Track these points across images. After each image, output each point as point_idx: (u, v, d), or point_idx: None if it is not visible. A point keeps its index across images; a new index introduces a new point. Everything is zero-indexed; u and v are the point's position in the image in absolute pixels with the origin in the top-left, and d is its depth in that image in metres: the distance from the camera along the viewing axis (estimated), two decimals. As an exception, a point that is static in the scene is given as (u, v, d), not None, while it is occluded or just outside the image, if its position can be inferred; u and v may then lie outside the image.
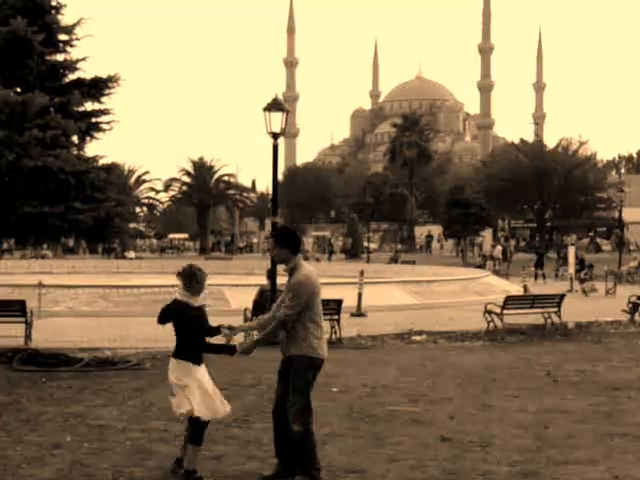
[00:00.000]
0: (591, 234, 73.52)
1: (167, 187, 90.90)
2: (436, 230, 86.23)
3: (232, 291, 24.88)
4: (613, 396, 11.57)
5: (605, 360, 15.28)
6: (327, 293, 22.30)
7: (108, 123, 17.88)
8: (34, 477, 7.46)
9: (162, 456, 8.12)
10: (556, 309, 20.82)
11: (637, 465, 7.85)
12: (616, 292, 32.01)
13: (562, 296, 21.68)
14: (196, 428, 7.22)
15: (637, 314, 22.76)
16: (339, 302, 18.89)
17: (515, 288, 32.20)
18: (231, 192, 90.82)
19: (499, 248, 54.00)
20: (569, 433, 9.17)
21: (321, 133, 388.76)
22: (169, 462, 7.83)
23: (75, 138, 17.58)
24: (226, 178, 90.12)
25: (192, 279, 7.23)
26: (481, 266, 48.90)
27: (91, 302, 24.16)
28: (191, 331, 7.22)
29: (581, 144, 71.39)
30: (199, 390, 7.16)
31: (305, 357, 7.18)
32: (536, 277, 41.70)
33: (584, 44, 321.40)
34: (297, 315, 7.13)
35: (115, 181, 19.40)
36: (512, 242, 71.83)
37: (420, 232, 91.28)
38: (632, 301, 23.27)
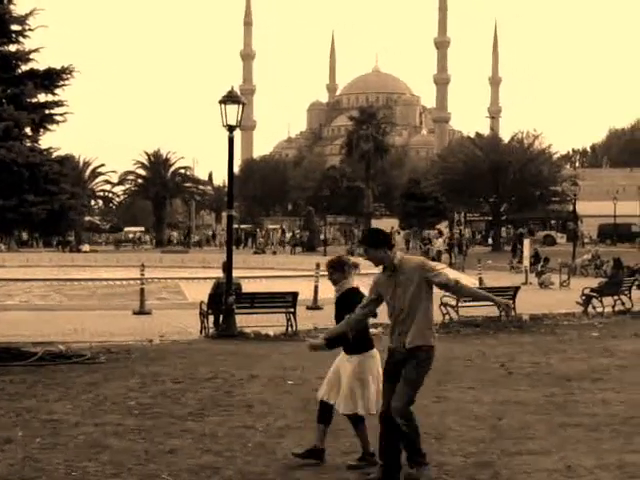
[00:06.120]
0: (524, 229, 72.76)
1: (122, 180, 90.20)
2: (391, 223, 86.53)
3: (188, 284, 24.78)
4: (566, 387, 11.67)
5: (559, 352, 15.44)
6: (283, 286, 22.49)
7: (62, 115, 17.60)
8: (-15, 473, 7.37)
9: (115, 450, 8.06)
10: (511, 301, 20.95)
11: (589, 455, 7.94)
12: (570, 284, 32.36)
13: (517, 288, 21.88)
14: None
15: (590, 306, 23.03)
16: (295, 295, 18.91)
17: (470, 281, 32.35)
18: (187, 185, 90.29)
19: (440, 241, 54.34)
20: (523, 424, 9.25)
21: (278, 126, 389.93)
22: (123, 456, 7.77)
23: (28, 130, 17.30)
24: (182, 171, 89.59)
25: None
26: (433, 258, 49.23)
27: (45, 296, 23.94)
28: None
29: (535, 137, 71.77)
30: None
31: (432, 347, 7.24)
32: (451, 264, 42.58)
33: (540, 39, 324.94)
34: (424, 302, 7.07)
35: (69, 173, 19.14)
36: (466, 233, 72.17)
37: (376, 225, 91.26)
38: (586, 293, 23.53)
